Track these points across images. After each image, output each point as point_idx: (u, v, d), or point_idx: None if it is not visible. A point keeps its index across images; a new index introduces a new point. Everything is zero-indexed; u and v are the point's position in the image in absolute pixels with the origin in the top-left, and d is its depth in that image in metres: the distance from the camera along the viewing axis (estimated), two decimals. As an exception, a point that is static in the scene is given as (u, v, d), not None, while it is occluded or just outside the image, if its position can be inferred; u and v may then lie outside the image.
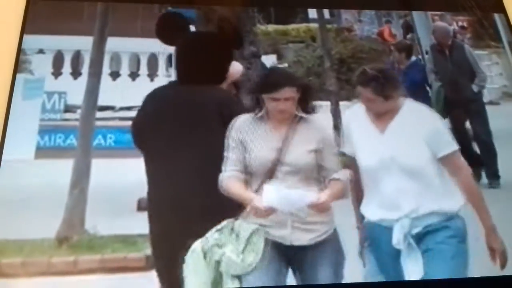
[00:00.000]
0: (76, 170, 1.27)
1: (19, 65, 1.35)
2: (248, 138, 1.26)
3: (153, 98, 1.34)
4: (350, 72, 1.54)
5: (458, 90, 1.58)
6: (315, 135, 1.27)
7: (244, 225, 1.20)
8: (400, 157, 1.24)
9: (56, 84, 1.41)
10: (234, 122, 1.28)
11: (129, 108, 1.40)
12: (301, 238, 1.22)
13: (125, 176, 1.28)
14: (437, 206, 1.23)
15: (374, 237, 1.25)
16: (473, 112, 1.55)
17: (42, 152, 1.30)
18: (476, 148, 1.49)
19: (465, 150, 1.45)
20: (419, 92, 1.54)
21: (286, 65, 1.58)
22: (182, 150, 1.29)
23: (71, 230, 1.21)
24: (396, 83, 1.29)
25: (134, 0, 1.51)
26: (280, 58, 1.57)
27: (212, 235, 1.19)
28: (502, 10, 1.61)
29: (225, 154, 1.26)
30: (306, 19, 1.62)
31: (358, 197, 1.28)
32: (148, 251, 1.20)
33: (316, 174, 1.26)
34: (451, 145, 1.27)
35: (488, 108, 1.54)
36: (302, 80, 1.34)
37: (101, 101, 1.37)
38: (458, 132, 1.49)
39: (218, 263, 1.17)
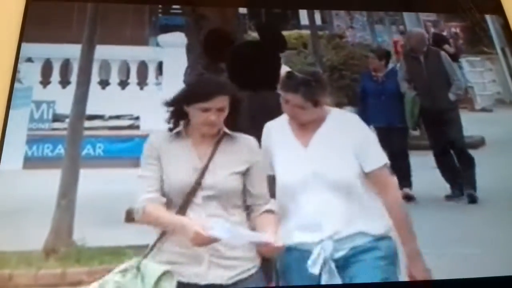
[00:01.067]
0: (64, 181, 1.26)
1: (6, 74, 1.34)
2: (165, 156, 1.13)
3: None
4: (342, 79, 1.53)
5: (434, 99, 1.52)
6: (242, 155, 1.14)
7: (151, 266, 1.06)
8: (324, 172, 1.12)
9: (45, 93, 1.39)
10: (149, 138, 1.17)
11: (118, 117, 1.39)
12: (220, 276, 1.07)
13: (114, 186, 1.27)
14: (364, 227, 1.11)
15: (291, 264, 1.11)
16: (449, 121, 1.49)
17: (30, 162, 1.28)
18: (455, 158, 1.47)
19: (444, 161, 1.44)
20: (397, 101, 1.50)
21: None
22: None
23: (59, 241, 1.19)
24: (326, 87, 1.19)
25: (126, 1, 1.50)
26: (271, 65, 1.56)
27: (113, 277, 1.06)
28: (501, 12, 1.58)
29: (141, 173, 1.14)
30: (298, 26, 1.61)
31: None
32: (137, 262, 1.19)
33: (240, 201, 1.13)
34: (380, 159, 1.15)
35: (481, 115, 1.52)
36: (235, 90, 1.17)
37: (90, 110, 1.35)
38: (435, 143, 1.48)
39: None
